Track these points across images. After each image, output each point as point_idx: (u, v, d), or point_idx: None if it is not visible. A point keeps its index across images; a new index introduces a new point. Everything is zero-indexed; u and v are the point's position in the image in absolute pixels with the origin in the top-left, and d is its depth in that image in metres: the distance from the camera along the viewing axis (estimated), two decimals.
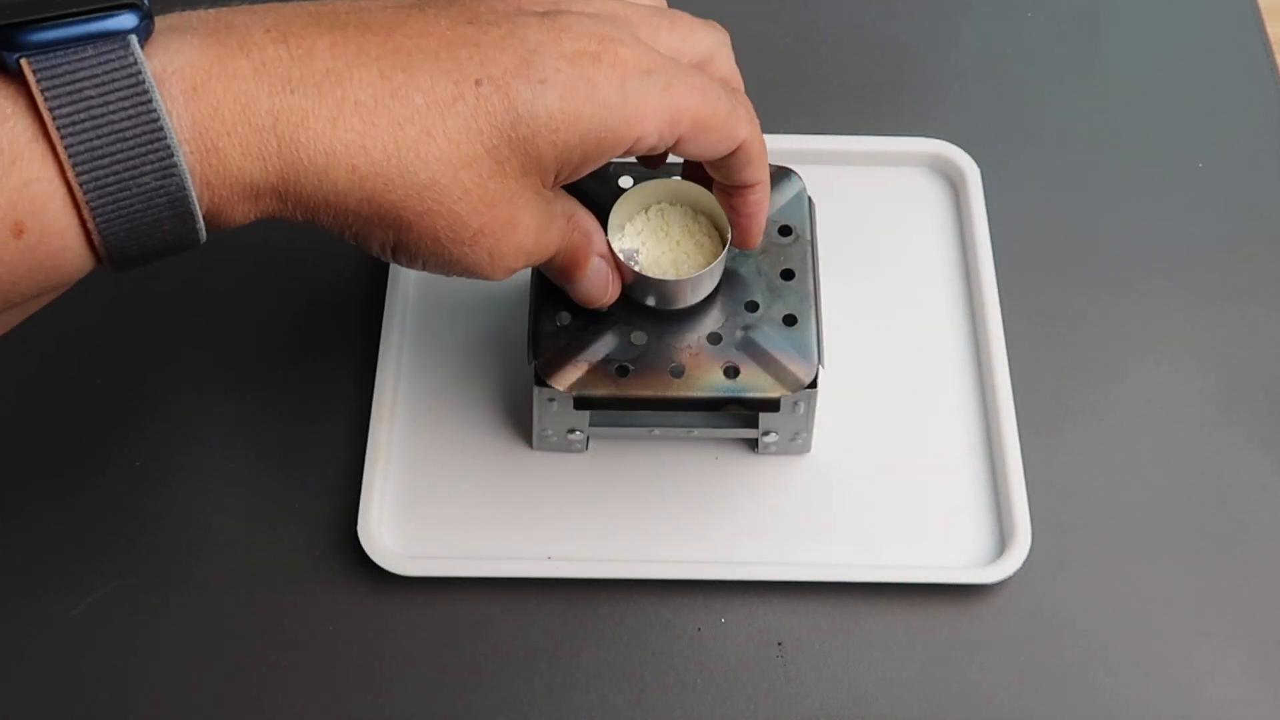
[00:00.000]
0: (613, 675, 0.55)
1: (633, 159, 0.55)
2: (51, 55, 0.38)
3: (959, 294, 0.63)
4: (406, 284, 0.62)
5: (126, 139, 0.38)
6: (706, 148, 0.48)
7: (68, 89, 0.38)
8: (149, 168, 0.39)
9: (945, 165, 0.67)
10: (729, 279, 0.55)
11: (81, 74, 0.38)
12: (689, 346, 0.54)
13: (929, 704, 0.54)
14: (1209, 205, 0.67)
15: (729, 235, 0.53)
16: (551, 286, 0.53)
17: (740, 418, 0.57)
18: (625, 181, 0.55)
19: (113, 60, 0.38)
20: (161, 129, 0.39)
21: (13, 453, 0.59)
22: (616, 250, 0.52)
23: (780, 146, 0.64)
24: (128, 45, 0.39)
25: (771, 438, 0.58)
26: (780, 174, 0.57)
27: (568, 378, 0.53)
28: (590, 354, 0.54)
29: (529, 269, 0.52)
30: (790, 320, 0.55)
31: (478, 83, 0.43)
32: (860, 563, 0.57)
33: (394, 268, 0.62)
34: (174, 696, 0.54)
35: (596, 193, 0.52)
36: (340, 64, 0.42)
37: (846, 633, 0.56)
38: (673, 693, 0.54)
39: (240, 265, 0.63)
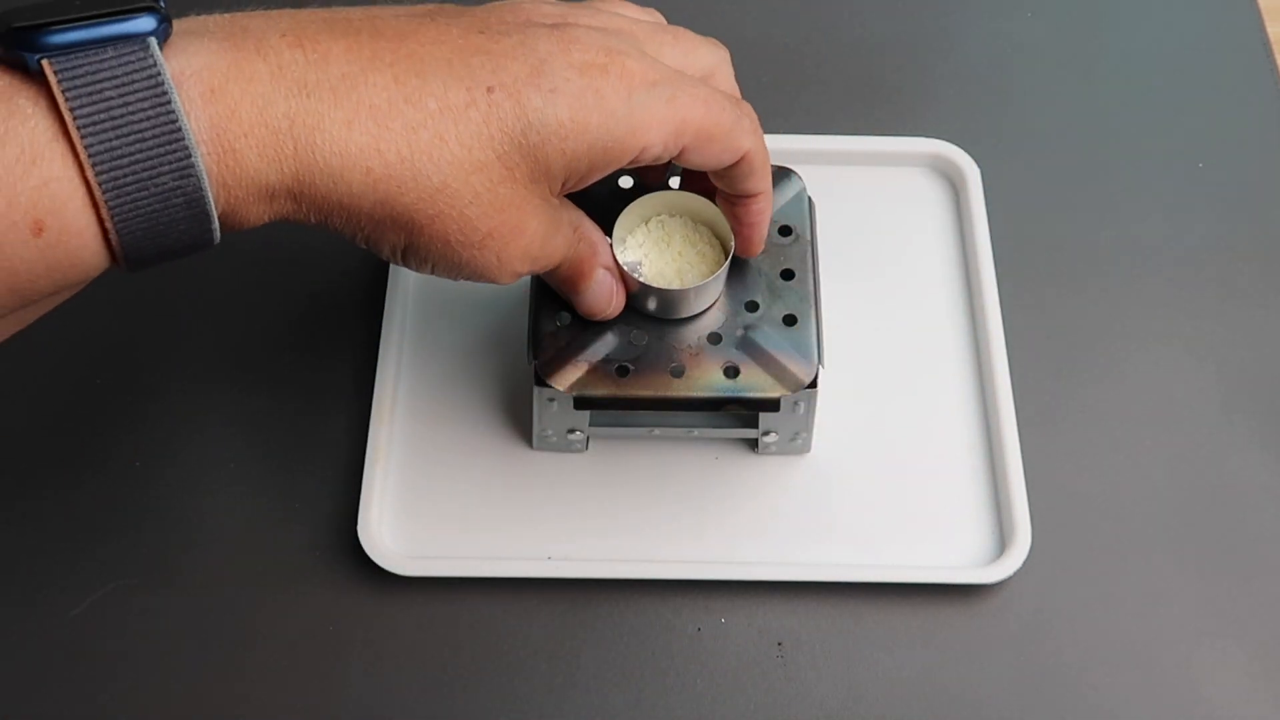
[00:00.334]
0: (613, 675, 0.55)
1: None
2: (72, 56, 0.38)
3: (959, 294, 0.63)
4: (406, 284, 0.62)
5: (145, 139, 0.39)
6: (711, 158, 0.48)
7: (88, 90, 0.38)
8: (167, 168, 0.39)
9: (945, 165, 0.67)
10: (729, 279, 0.55)
11: (102, 75, 0.38)
12: (689, 346, 0.54)
13: (929, 704, 0.54)
14: (1209, 205, 0.67)
15: (731, 244, 0.53)
16: (551, 287, 0.53)
17: (740, 418, 0.57)
18: (625, 182, 0.55)
19: (132, 62, 0.39)
20: (180, 130, 0.39)
21: (13, 452, 0.59)
22: (620, 263, 0.52)
23: (780, 146, 0.64)
24: (147, 47, 0.39)
25: (771, 438, 0.58)
26: (780, 174, 0.57)
27: (568, 378, 0.53)
28: (590, 354, 0.54)
29: None
30: (790, 320, 0.55)
31: (490, 90, 0.43)
32: (860, 563, 0.57)
33: (394, 267, 0.62)
34: (174, 696, 0.54)
35: (598, 196, 0.52)
36: (355, 69, 0.42)
37: (846, 633, 0.56)
38: (673, 693, 0.54)
39: (241, 265, 0.63)
